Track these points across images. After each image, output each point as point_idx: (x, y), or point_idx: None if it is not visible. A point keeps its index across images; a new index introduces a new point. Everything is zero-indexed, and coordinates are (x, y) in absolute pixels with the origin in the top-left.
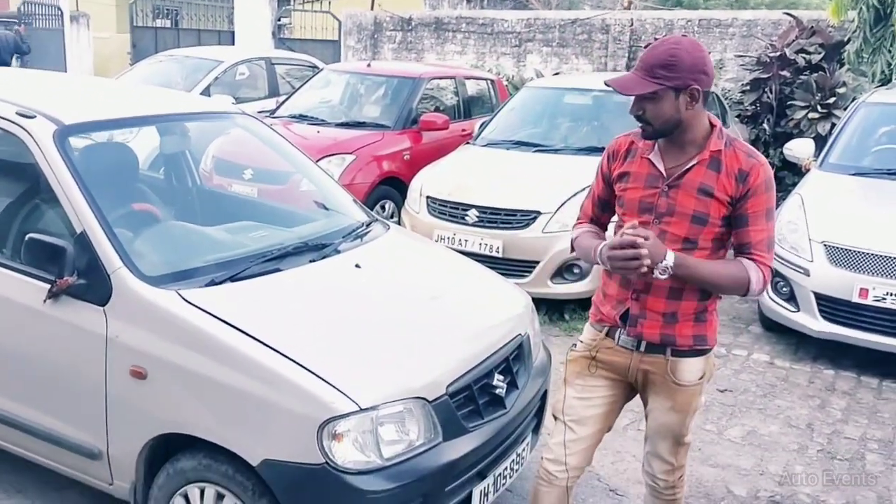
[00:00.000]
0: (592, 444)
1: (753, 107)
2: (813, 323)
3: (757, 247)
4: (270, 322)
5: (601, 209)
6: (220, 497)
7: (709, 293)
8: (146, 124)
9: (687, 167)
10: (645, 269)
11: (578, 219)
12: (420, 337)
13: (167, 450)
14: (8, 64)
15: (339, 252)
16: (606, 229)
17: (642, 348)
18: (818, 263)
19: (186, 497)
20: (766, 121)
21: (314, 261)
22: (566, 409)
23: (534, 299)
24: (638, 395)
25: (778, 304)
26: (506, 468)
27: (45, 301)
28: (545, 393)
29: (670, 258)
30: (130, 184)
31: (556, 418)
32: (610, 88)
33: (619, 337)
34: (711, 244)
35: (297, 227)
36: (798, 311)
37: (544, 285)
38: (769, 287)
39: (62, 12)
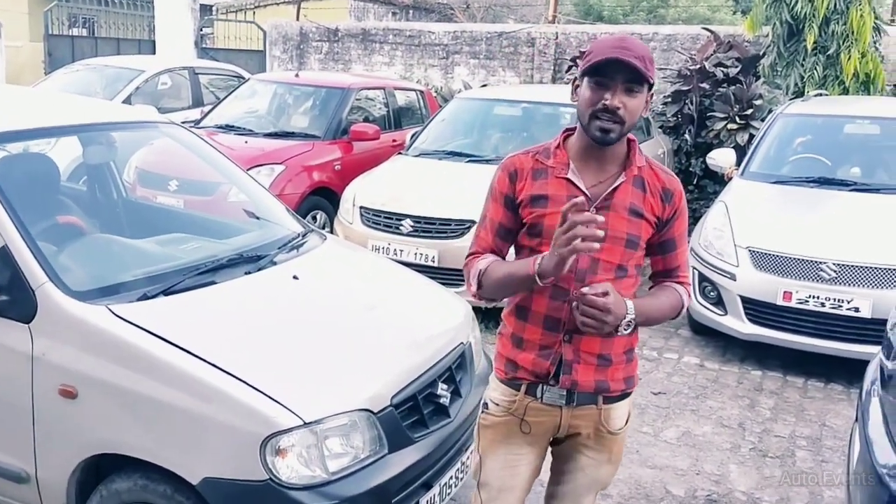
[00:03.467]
0: (522, 500)
1: (675, 118)
2: (740, 326)
3: (682, 269)
4: (207, 336)
5: (503, 238)
6: None
7: (635, 329)
8: (68, 134)
9: (614, 186)
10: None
11: (471, 253)
12: (363, 348)
13: (100, 471)
14: None
15: (275, 263)
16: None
17: (573, 402)
18: (743, 268)
19: None
20: (687, 131)
21: (250, 273)
22: (492, 480)
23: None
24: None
25: (706, 308)
26: (451, 477)
27: None
28: None
29: (630, 309)
30: (52, 196)
31: (479, 484)
32: (532, 100)
33: (544, 394)
34: (635, 272)
35: (230, 239)
36: (725, 314)
37: None
38: (697, 292)
39: None
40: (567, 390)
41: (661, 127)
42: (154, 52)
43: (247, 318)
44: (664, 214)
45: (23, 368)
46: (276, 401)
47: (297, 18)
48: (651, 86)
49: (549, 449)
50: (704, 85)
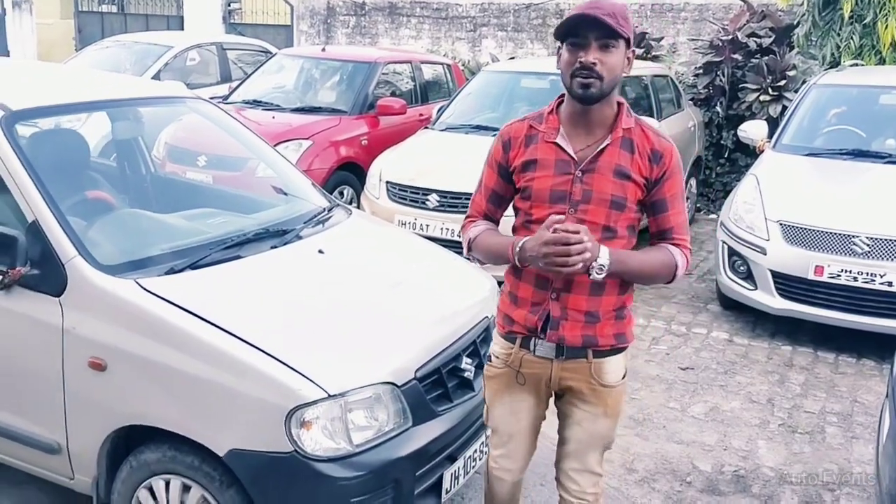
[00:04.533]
0: (532, 445)
1: (706, 90)
2: (770, 300)
3: (678, 230)
4: (233, 310)
5: (496, 204)
6: (185, 489)
7: (626, 288)
8: (98, 109)
9: (599, 148)
10: (582, 267)
11: (468, 216)
12: (387, 322)
13: (129, 442)
14: None
15: (300, 238)
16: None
17: (563, 355)
18: (774, 242)
19: (151, 490)
20: (718, 103)
21: (276, 247)
22: (499, 425)
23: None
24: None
25: (736, 282)
26: (475, 451)
27: None
28: None
29: (605, 255)
30: (82, 171)
31: (491, 429)
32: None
33: (536, 347)
34: (627, 232)
35: (257, 214)
36: (756, 289)
37: None
38: (727, 266)
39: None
40: (556, 344)
41: (692, 99)
42: (182, 28)
43: (272, 291)
44: (652, 175)
45: (54, 341)
46: (300, 373)
47: None
48: (628, 41)
49: (555, 410)
50: (737, 56)
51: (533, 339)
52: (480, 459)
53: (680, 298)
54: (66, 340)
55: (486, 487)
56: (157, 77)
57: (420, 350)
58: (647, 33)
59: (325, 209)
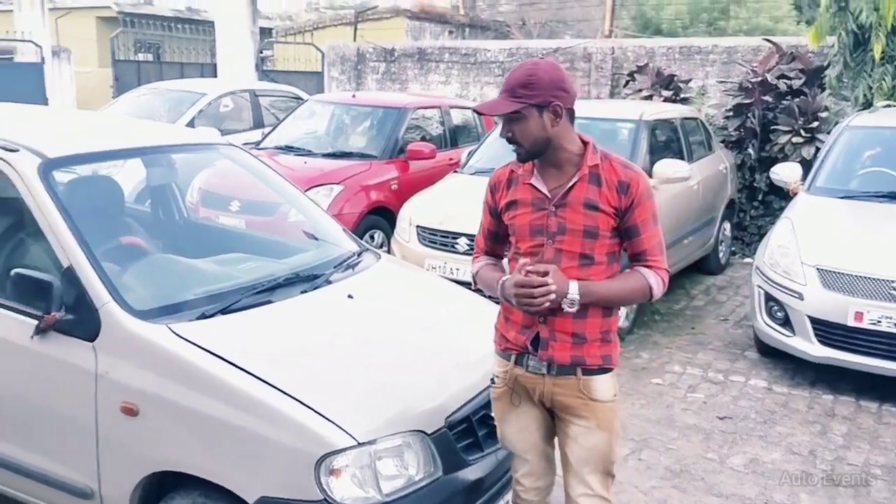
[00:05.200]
0: (550, 460)
1: (738, 132)
2: (809, 347)
3: (651, 252)
4: (263, 355)
5: (494, 241)
6: None
7: (610, 311)
8: (132, 156)
9: (569, 185)
10: (549, 305)
11: (474, 253)
12: (417, 368)
13: (161, 488)
14: None
15: (330, 283)
16: (502, 259)
17: (553, 372)
18: (811, 287)
19: None
20: (750, 145)
21: (305, 292)
22: (514, 444)
23: None
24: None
25: (773, 328)
26: (508, 501)
27: (32, 337)
28: None
29: (573, 289)
30: (117, 217)
31: (509, 452)
32: (589, 116)
33: (529, 364)
34: (606, 258)
35: (288, 259)
36: (793, 335)
37: None
38: (763, 312)
39: (41, 48)
40: (547, 362)
41: (723, 141)
42: (216, 75)
43: (302, 336)
44: (622, 204)
45: (87, 386)
46: (330, 420)
47: (354, 39)
48: (538, 105)
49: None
50: (767, 98)
51: (526, 355)
52: None
53: (716, 345)
54: (99, 385)
55: None
56: (191, 123)
57: (450, 397)
58: (675, 76)
59: (354, 254)
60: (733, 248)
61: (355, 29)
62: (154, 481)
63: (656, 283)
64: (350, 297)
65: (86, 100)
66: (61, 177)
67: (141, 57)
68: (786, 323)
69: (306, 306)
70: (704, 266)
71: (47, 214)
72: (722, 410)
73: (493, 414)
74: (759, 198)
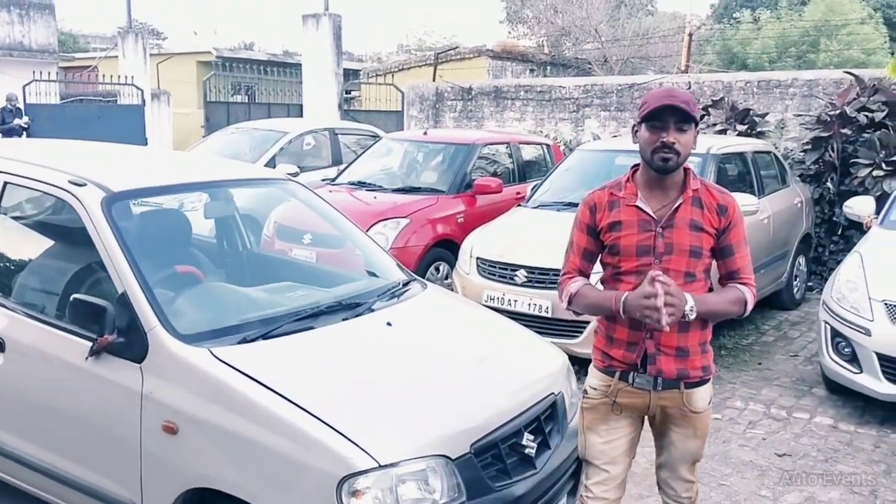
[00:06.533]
0: (625, 477)
1: (816, 165)
2: (876, 385)
3: (743, 271)
4: (297, 379)
5: (588, 260)
6: None
7: (706, 324)
8: (193, 190)
9: (675, 206)
10: (674, 319)
11: (564, 273)
12: (446, 394)
13: None
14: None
15: (372, 311)
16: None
17: (659, 387)
18: (879, 323)
19: None
20: (829, 179)
21: (347, 319)
22: (597, 454)
23: (575, 358)
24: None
25: (840, 365)
26: None
27: (87, 358)
28: None
29: (690, 300)
30: (177, 247)
31: (586, 462)
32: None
33: (635, 380)
34: (703, 276)
35: (336, 288)
36: (861, 372)
37: None
38: (830, 348)
39: (142, 91)
40: (654, 377)
41: (801, 175)
42: (301, 115)
43: (337, 361)
44: (720, 225)
45: (133, 405)
46: (353, 442)
47: (434, 79)
48: (696, 123)
49: (650, 428)
50: (846, 130)
51: (631, 372)
52: None
53: (783, 381)
54: (144, 404)
55: None
56: (272, 161)
57: (477, 423)
58: (750, 110)
59: (400, 283)
60: (810, 284)
61: (435, 69)
62: (192, 498)
63: (750, 297)
64: (389, 324)
65: (182, 139)
66: (127, 210)
67: (237, 99)
68: (853, 359)
69: (346, 333)
70: (777, 301)
71: (107, 244)
72: (781, 447)
73: (581, 425)
74: (839, 232)
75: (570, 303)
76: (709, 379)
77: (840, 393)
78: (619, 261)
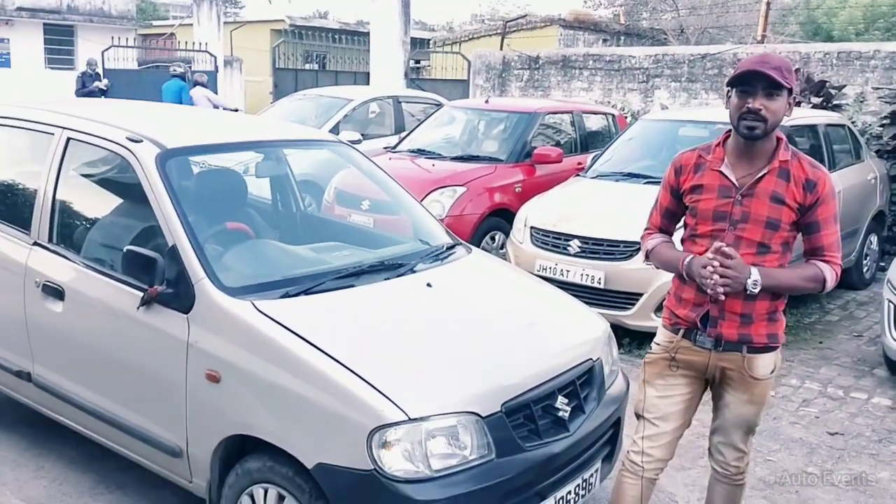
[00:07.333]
0: (674, 439)
1: (894, 141)
2: None
3: (829, 248)
4: (335, 333)
5: (669, 220)
6: (281, 498)
7: (778, 295)
8: (244, 149)
9: (758, 176)
10: (727, 290)
11: (647, 229)
12: (480, 353)
13: (239, 451)
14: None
15: (414, 272)
16: (672, 237)
17: (721, 347)
18: None
19: (252, 497)
20: None
21: (388, 279)
22: (649, 407)
23: (627, 330)
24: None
25: None
26: (569, 492)
27: (138, 308)
28: (618, 420)
29: (755, 274)
30: (230, 205)
31: (638, 417)
32: (723, 121)
33: (697, 338)
34: (780, 248)
35: (382, 250)
36: None
37: (648, 318)
38: (893, 327)
39: (215, 58)
40: (715, 338)
41: (877, 151)
42: (368, 83)
43: (376, 318)
44: (806, 201)
45: (180, 353)
46: (385, 395)
47: (501, 48)
48: (790, 91)
49: (710, 391)
50: None
51: (695, 331)
52: (576, 503)
53: (843, 361)
54: (190, 353)
55: (614, 489)
56: (336, 127)
57: (510, 384)
58: (826, 82)
59: (444, 247)
60: (882, 264)
61: (503, 38)
62: (233, 444)
63: (831, 276)
64: (429, 285)
65: (255, 105)
66: (182, 166)
67: (309, 66)
68: None
69: (386, 291)
70: (846, 280)
71: (160, 199)
72: (834, 426)
73: (642, 378)
74: None
75: (647, 257)
76: (776, 347)
77: None
78: (696, 223)
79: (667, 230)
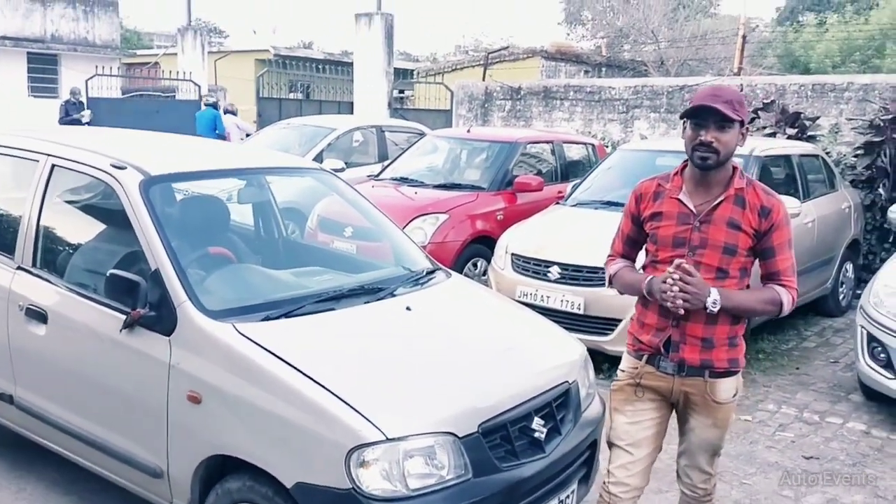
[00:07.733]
0: (648, 465)
1: (868, 171)
2: None
3: (784, 273)
4: (314, 355)
5: (631, 247)
6: None
7: (738, 319)
8: (227, 176)
9: (715, 203)
10: (686, 305)
11: (609, 255)
12: (457, 375)
13: (220, 471)
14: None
15: (394, 296)
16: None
17: (683, 372)
18: None
19: None
20: (881, 185)
21: (368, 302)
22: (620, 434)
23: (607, 356)
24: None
25: (875, 370)
26: None
27: (120, 331)
28: (594, 443)
29: (714, 294)
30: (212, 231)
31: (610, 446)
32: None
33: (660, 363)
34: (738, 273)
35: (362, 274)
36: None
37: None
38: (866, 353)
39: (199, 87)
40: (677, 363)
41: (851, 181)
42: (352, 112)
43: (354, 341)
44: (761, 227)
45: (161, 375)
46: (363, 415)
47: (483, 79)
48: (742, 123)
49: (676, 416)
50: None
51: (658, 356)
52: None
53: (819, 386)
54: (171, 375)
55: None
56: (320, 156)
57: (486, 405)
58: (801, 113)
59: (424, 272)
60: (858, 292)
61: (485, 69)
62: (213, 465)
63: (787, 300)
64: (408, 308)
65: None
66: (165, 193)
67: (293, 96)
68: (888, 365)
69: (366, 315)
70: (822, 307)
71: (143, 223)
72: (809, 450)
73: (609, 406)
74: (890, 239)
75: (610, 282)
76: (736, 372)
77: (877, 400)
78: (657, 249)
79: (629, 256)
